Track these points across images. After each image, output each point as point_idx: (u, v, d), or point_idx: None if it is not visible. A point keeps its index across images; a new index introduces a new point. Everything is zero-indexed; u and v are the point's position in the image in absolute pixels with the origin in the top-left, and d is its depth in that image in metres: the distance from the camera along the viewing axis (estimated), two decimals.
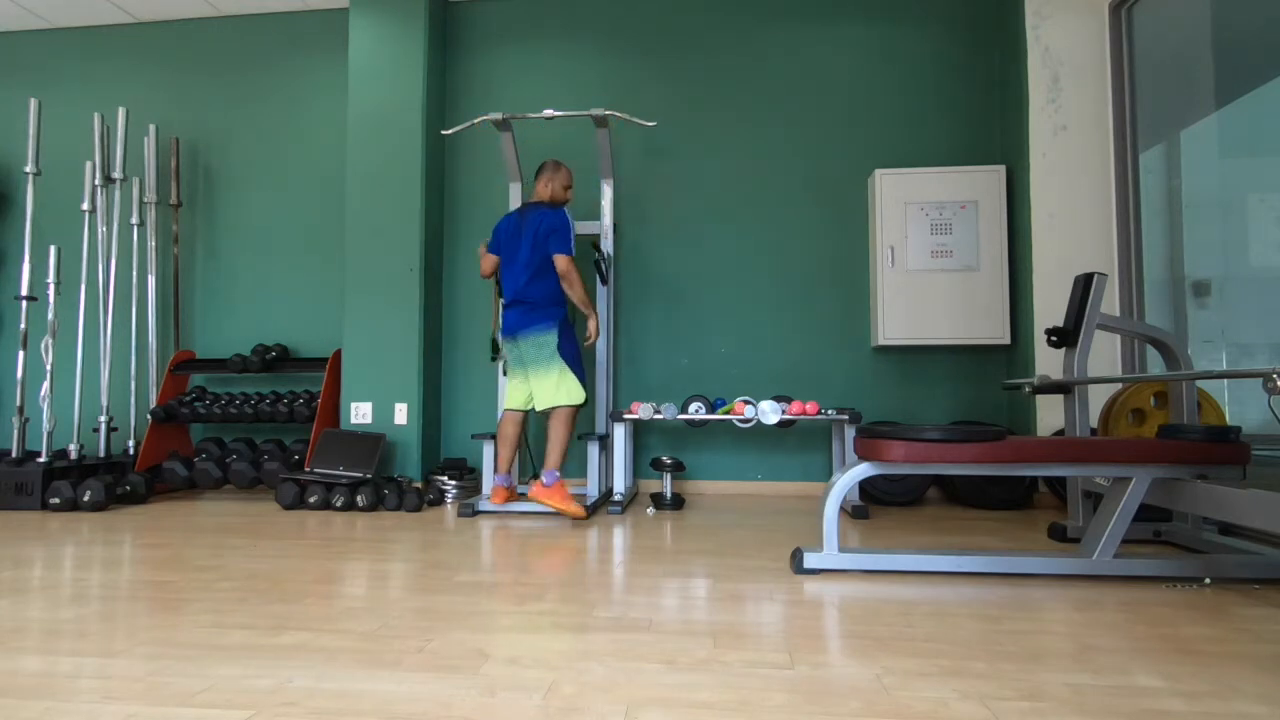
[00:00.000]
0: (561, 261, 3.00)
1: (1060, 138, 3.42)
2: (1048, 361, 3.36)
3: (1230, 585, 1.92)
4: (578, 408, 3.06)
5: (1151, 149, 3.22)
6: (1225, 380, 2.77)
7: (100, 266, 4.02)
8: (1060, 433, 3.15)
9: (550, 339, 3.03)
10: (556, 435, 3.02)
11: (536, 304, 3.04)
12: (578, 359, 3.10)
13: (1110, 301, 3.30)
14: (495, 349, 3.57)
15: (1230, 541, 2.26)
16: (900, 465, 2.06)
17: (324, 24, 4.35)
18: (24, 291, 3.64)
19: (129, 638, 1.49)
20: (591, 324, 3.17)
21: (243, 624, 1.58)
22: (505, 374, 3.58)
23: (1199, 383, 2.69)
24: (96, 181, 4.02)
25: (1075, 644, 1.45)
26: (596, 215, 3.96)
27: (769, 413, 3.30)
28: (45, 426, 3.56)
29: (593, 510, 3.12)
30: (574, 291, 3.04)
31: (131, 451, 4.01)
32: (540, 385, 3.05)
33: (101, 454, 3.87)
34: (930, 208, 3.62)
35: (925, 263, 3.61)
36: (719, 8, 4.09)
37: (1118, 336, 3.30)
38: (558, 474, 2.97)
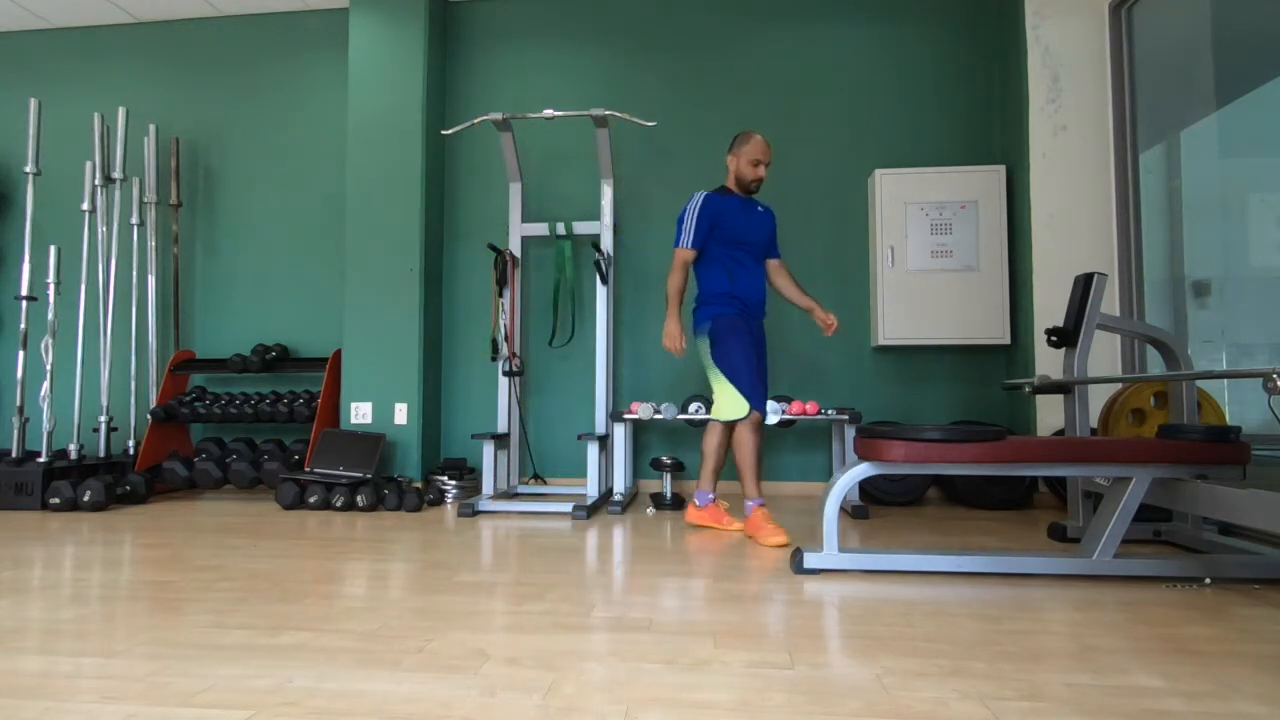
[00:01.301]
0: (676, 255, 2.82)
1: (1060, 138, 3.42)
2: (1048, 361, 3.36)
3: (1230, 585, 1.92)
4: (730, 425, 2.75)
5: (1151, 149, 3.22)
6: (1225, 380, 2.77)
7: (100, 266, 4.02)
8: (1060, 433, 3.15)
9: (704, 343, 2.80)
10: (704, 452, 2.81)
11: (697, 304, 2.86)
12: (736, 366, 2.70)
13: (1110, 301, 3.30)
14: (495, 349, 3.57)
15: (1230, 541, 2.25)
16: (900, 465, 2.06)
17: (324, 24, 4.35)
18: (24, 291, 3.64)
19: (129, 638, 1.49)
20: (668, 321, 2.78)
21: (243, 624, 1.58)
22: (505, 374, 3.60)
23: (1199, 383, 2.69)
24: (96, 181, 4.02)
25: (1075, 644, 1.45)
26: (596, 215, 3.97)
27: (769, 413, 3.29)
28: (45, 426, 3.56)
29: (592, 510, 3.12)
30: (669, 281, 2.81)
31: (131, 451, 4.01)
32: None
33: (101, 454, 3.87)
34: (930, 208, 3.62)
35: (925, 263, 3.61)
36: (719, 8, 4.09)
37: (1118, 336, 3.30)
38: (710, 496, 2.83)
